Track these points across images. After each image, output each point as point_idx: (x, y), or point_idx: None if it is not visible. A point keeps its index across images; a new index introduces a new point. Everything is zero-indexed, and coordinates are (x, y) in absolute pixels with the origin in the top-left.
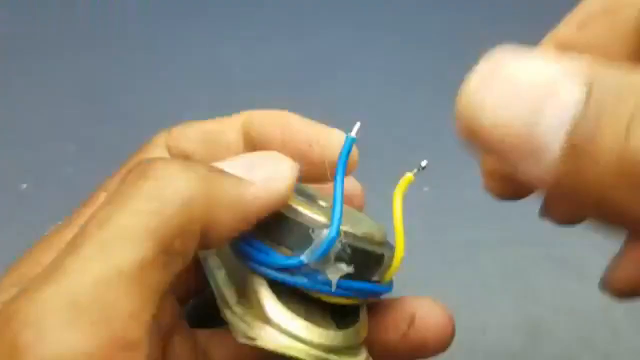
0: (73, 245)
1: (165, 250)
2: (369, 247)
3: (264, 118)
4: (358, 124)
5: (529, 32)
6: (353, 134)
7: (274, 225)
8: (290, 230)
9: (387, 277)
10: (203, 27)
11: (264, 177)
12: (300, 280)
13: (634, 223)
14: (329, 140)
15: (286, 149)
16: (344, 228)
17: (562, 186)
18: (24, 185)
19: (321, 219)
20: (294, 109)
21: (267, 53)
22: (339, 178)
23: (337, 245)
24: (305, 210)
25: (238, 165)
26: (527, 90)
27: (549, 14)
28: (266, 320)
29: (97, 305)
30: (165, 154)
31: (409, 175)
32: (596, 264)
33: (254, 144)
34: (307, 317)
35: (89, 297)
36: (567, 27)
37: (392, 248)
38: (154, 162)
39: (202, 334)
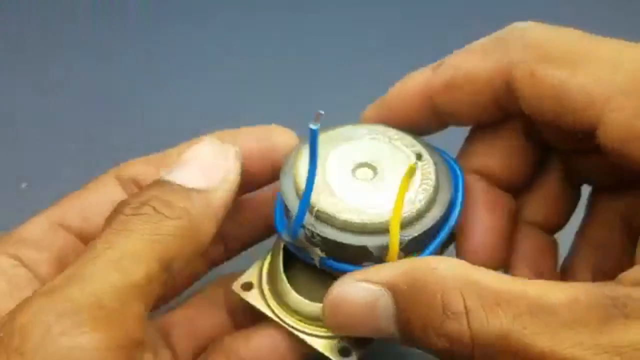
0: (87, 259)
1: (166, 269)
2: (343, 239)
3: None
4: (321, 112)
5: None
6: (313, 125)
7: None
8: (285, 208)
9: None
10: (204, 27)
11: (221, 179)
12: (298, 252)
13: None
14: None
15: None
16: (323, 213)
17: (408, 344)
18: (24, 185)
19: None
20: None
21: (264, 52)
22: (311, 169)
23: (305, 232)
24: (290, 189)
25: (197, 175)
26: (361, 306)
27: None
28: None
29: (118, 308)
30: (112, 180)
31: (412, 164)
32: None
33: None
34: (307, 284)
35: (112, 301)
36: (436, 80)
37: (387, 236)
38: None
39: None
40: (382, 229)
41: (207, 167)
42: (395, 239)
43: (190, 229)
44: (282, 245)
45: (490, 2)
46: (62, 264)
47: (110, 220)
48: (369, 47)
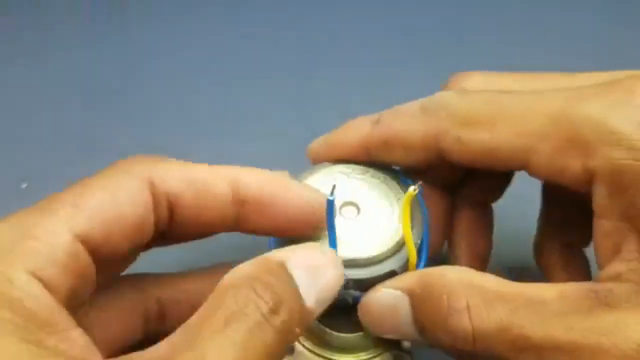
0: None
1: None
2: (371, 274)
3: (255, 178)
4: (335, 185)
5: (519, 24)
6: (330, 195)
7: None
8: None
9: None
10: (206, 26)
11: (319, 290)
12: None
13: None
14: (320, 204)
15: (276, 213)
16: (347, 260)
17: (427, 344)
18: (24, 185)
19: None
20: (292, 102)
21: (264, 49)
22: (332, 238)
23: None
24: None
25: (316, 292)
26: (386, 308)
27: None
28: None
29: None
30: (146, 191)
31: (411, 192)
32: None
33: (243, 201)
34: (341, 320)
35: None
36: (373, 136)
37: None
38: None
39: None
40: (396, 250)
41: (324, 287)
42: (413, 252)
43: (285, 346)
44: None
45: (492, 4)
46: (72, 297)
47: (231, 313)
48: (370, 50)
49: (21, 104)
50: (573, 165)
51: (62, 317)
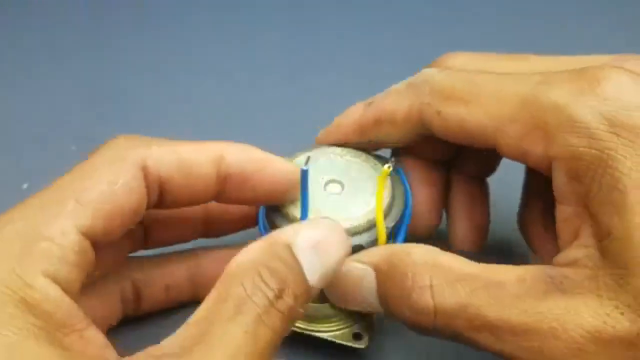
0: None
1: None
2: None
3: (237, 156)
4: (309, 156)
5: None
6: (304, 166)
7: None
8: None
9: None
10: (204, 27)
11: (323, 268)
12: None
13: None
14: (296, 175)
15: (257, 188)
16: None
17: (388, 316)
18: (25, 185)
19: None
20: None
21: (264, 49)
22: (303, 207)
23: None
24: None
25: (320, 270)
26: (352, 280)
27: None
28: None
29: None
30: (141, 179)
31: (385, 169)
32: None
33: (225, 177)
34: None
35: None
36: (366, 117)
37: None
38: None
39: None
40: (369, 227)
41: (328, 266)
42: (382, 231)
43: (290, 324)
44: None
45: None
46: (79, 291)
47: (240, 301)
48: (366, 50)
49: (21, 104)
50: (535, 150)
51: (79, 318)
